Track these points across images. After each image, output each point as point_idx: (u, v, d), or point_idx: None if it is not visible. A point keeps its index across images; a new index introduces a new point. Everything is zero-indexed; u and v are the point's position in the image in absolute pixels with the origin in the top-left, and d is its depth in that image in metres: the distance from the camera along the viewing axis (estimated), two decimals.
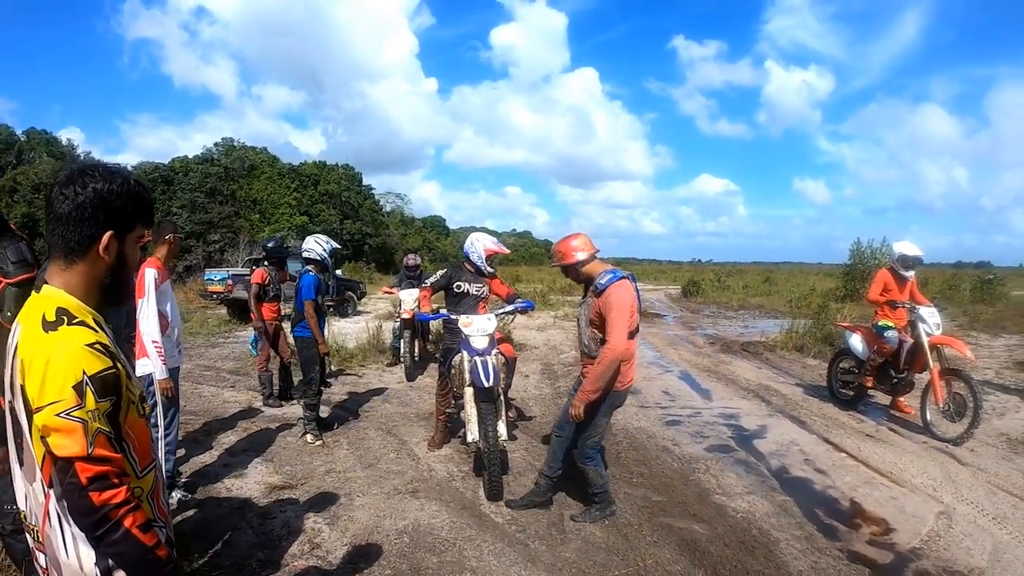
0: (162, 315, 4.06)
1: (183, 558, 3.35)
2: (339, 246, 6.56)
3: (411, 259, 10.13)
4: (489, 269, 5.23)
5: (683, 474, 5.01)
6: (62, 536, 1.34)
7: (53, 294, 1.39)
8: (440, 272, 5.37)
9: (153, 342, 3.98)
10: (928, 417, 6.22)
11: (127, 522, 1.29)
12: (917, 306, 6.54)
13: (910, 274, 6.89)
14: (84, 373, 1.28)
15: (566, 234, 4.15)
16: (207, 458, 5.12)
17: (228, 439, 5.66)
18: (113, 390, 1.34)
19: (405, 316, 8.71)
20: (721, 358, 10.67)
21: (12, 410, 1.36)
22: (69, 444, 1.26)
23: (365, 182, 48.99)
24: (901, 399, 7.04)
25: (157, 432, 3.94)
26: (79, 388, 1.27)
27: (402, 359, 8.82)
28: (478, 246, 5.16)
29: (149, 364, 3.96)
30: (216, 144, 41.20)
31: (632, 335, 3.81)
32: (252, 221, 34.85)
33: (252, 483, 4.61)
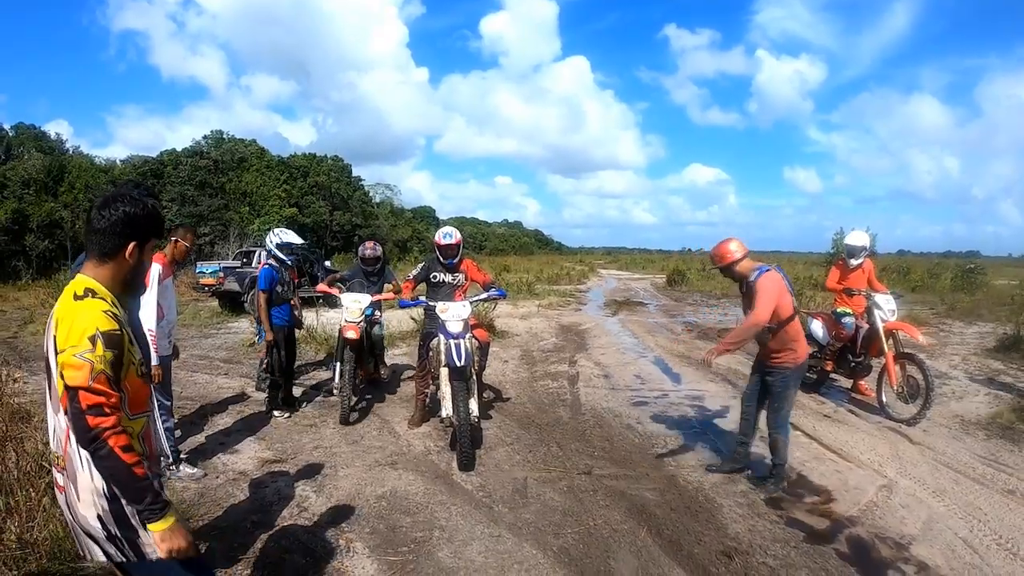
0: (159, 306, 4.39)
1: (184, 520, 3.74)
2: (299, 240, 6.60)
3: (369, 248, 7.08)
4: (444, 260, 5.68)
5: (642, 448, 5.44)
6: (79, 456, 1.82)
7: (84, 279, 1.88)
8: (420, 265, 5.94)
9: (148, 330, 4.30)
10: (884, 399, 6.58)
11: (111, 442, 1.72)
12: (873, 293, 6.90)
13: (855, 262, 7.29)
14: (98, 329, 1.76)
15: (721, 239, 4.73)
16: (203, 438, 5.50)
17: (222, 421, 6.05)
18: (117, 346, 1.79)
19: (350, 335, 6.13)
20: (696, 344, 11.07)
21: (48, 359, 1.84)
22: (77, 376, 1.71)
23: (355, 173, 49.19)
24: (862, 382, 7.40)
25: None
26: (92, 339, 1.74)
27: (337, 391, 6.25)
28: (449, 237, 5.64)
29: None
30: (205, 137, 41.20)
31: (791, 317, 4.51)
32: (242, 213, 34.99)
33: (246, 458, 5.00)
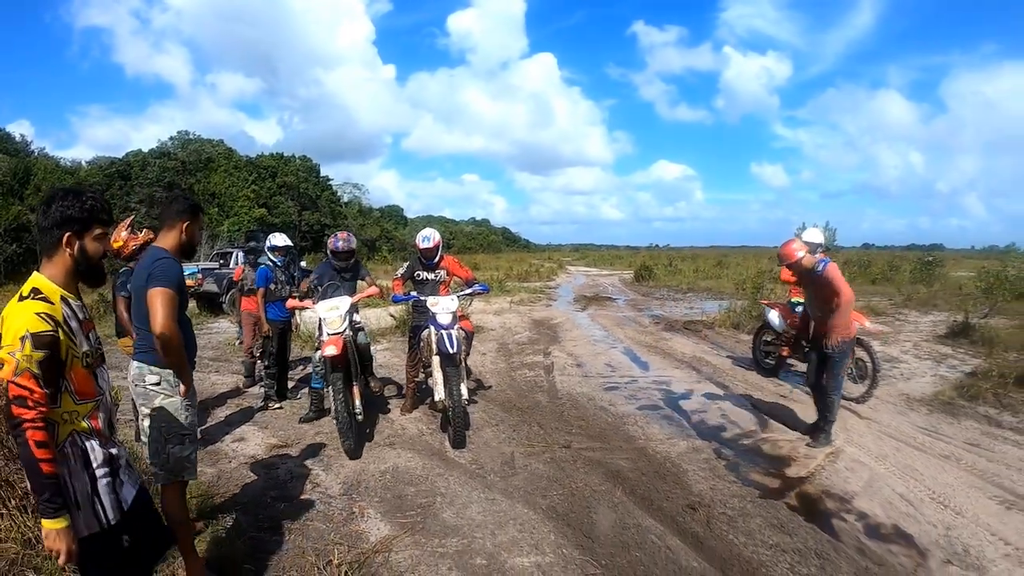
0: None
1: (208, 498, 4.17)
2: (283, 243, 6.90)
3: (342, 240, 6.12)
4: (424, 261, 6.15)
5: (615, 426, 6.00)
6: None
7: (35, 278, 2.12)
8: (406, 265, 6.40)
9: None
10: None
11: (28, 435, 1.92)
12: None
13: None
14: (28, 330, 1.96)
15: (785, 241, 5.68)
16: (208, 429, 5.88)
17: (223, 413, 6.45)
18: (48, 346, 1.99)
19: (330, 351, 5.14)
20: (663, 335, 11.71)
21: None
22: (5, 370, 1.94)
23: (323, 172, 49.07)
24: None
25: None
26: (23, 339, 1.95)
27: (334, 416, 5.20)
28: (427, 241, 6.11)
29: None
30: (171, 138, 40.92)
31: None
32: (211, 215, 34.66)
33: (253, 445, 5.42)
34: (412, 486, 4.48)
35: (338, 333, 5.31)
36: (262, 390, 6.81)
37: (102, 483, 2.16)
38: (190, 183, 35.69)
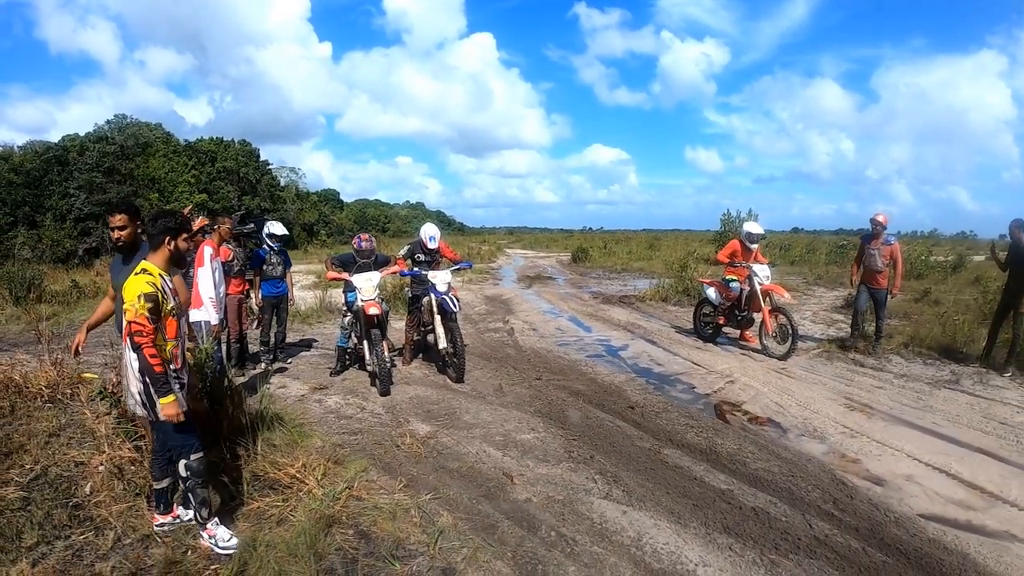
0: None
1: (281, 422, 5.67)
2: (281, 232, 7.99)
3: (364, 242, 7.35)
4: (426, 250, 7.76)
5: (571, 367, 7.92)
6: (129, 360, 3.31)
7: (144, 263, 3.33)
8: (407, 247, 8.02)
9: (210, 298, 5.56)
10: (765, 343, 8.76)
11: (144, 351, 3.12)
12: (752, 264, 8.84)
13: (755, 246, 9.25)
14: (141, 291, 3.16)
15: (881, 212, 8.68)
16: (247, 383, 7.19)
17: (252, 372, 7.76)
18: (152, 300, 3.17)
19: (374, 311, 6.65)
20: (601, 307, 13.76)
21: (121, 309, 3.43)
22: (129, 314, 3.14)
23: (261, 157, 48.67)
24: (747, 332, 9.61)
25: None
26: (139, 296, 3.14)
27: (369, 367, 6.93)
28: (433, 241, 7.73)
29: (202, 313, 5.42)
30: (108, 121, 39.95)
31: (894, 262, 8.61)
32: (151, 200, 34.33)
33: (295, 390, 6.87)
34: (435, 405, 6.22)
35: (372, 299, 6.73)
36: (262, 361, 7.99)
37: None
38: (129, 168, 34.95)
